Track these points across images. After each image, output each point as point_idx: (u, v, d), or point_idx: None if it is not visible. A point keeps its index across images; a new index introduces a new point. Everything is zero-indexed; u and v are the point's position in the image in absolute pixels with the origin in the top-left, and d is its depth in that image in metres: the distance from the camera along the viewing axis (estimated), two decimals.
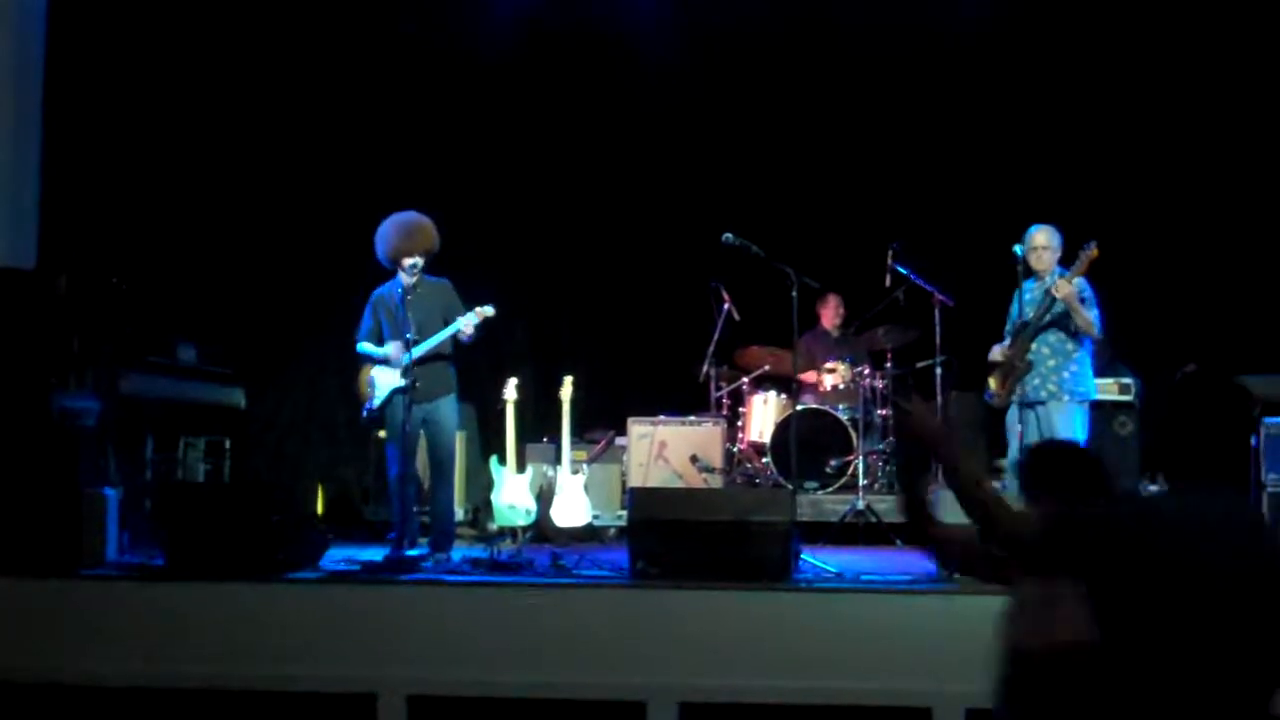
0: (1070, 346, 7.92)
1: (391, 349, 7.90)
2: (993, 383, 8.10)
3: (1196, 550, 3.20)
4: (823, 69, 10.92)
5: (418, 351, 7.77)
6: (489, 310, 7.93)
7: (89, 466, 7.75)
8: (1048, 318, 7.90)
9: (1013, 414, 7.97)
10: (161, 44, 10.36)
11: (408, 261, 7.92)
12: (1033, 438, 7.74)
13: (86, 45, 9.74)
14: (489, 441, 9.87)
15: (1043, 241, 8.02)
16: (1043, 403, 7.87)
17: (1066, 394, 7.87)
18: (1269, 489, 8.78)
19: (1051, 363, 7.90)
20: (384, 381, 7.93)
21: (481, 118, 11.06)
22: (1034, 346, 7.93)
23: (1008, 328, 8.21)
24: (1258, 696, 3.15)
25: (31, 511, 7.11)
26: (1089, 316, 7.83)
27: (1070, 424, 7.80)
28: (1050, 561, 3.22)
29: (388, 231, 7.98)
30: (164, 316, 9.49)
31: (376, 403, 7.97)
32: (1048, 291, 7.88)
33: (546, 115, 11.17)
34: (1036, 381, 7.89)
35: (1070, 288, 7.76)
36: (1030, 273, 8.08)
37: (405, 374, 7.79)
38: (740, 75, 11.09)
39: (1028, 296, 8.05)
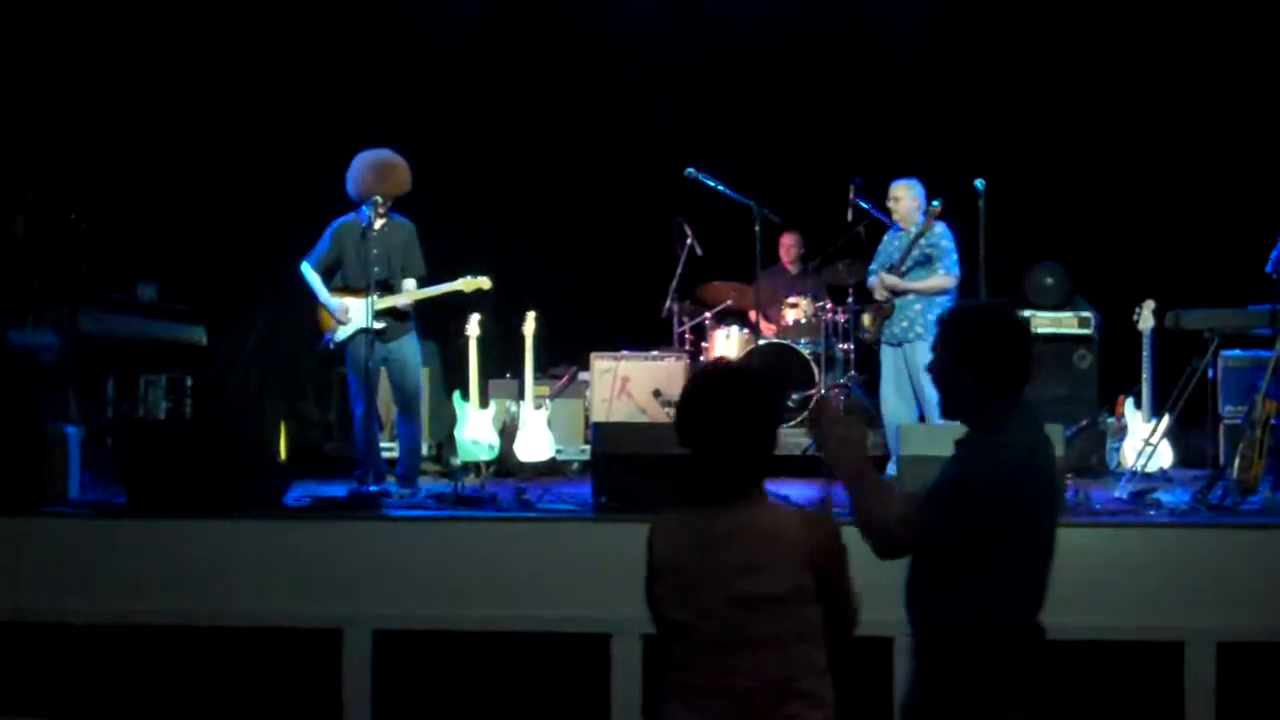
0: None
1: (344, 304, 7.79)
2: (866, 320, 8.79)
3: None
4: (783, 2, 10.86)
5: (414, 297, 7.88)
6: (486, 283, 8.12)
7: (49, 404, 7.73)
8: (909, 263, 8.51)
9: (883, 351, 8.68)
10: None
11: (378, 200, 7.86)
12: (893, 375, 8.58)
13: None
14: (452, 377, 9.85)
15: (897, 194, 8.64)
16: (909, 342, 8.47)
17: (932, 335, 8.17)
18: (1225, 421, 8.88)
19: (918, 305, 8.49)
20: (352, 318, 7.89)
21: (441, 53, 10.94)
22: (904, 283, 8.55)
23: (873, 267, 8.83)
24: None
25: None
26: (932, 283, 8.45)
27: None
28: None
29: (361, 168, 7.88)
30: (123, 254, 9.42)
31: (339, 337, 7.92)
32: (914, 239, 8.47)
33: (507, 50, 11.06)
34: (905, 324, 8.53)
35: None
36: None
37: (375, 316, 7.78)
38: (702, 8, 11.01)
39: (895, 243, 8.68)
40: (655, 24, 10.86)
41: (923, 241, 8.49)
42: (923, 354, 8.28)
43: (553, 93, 11.02)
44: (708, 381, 3.53)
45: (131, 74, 10.29)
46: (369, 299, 7.76)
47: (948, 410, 3.81)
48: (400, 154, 8.02)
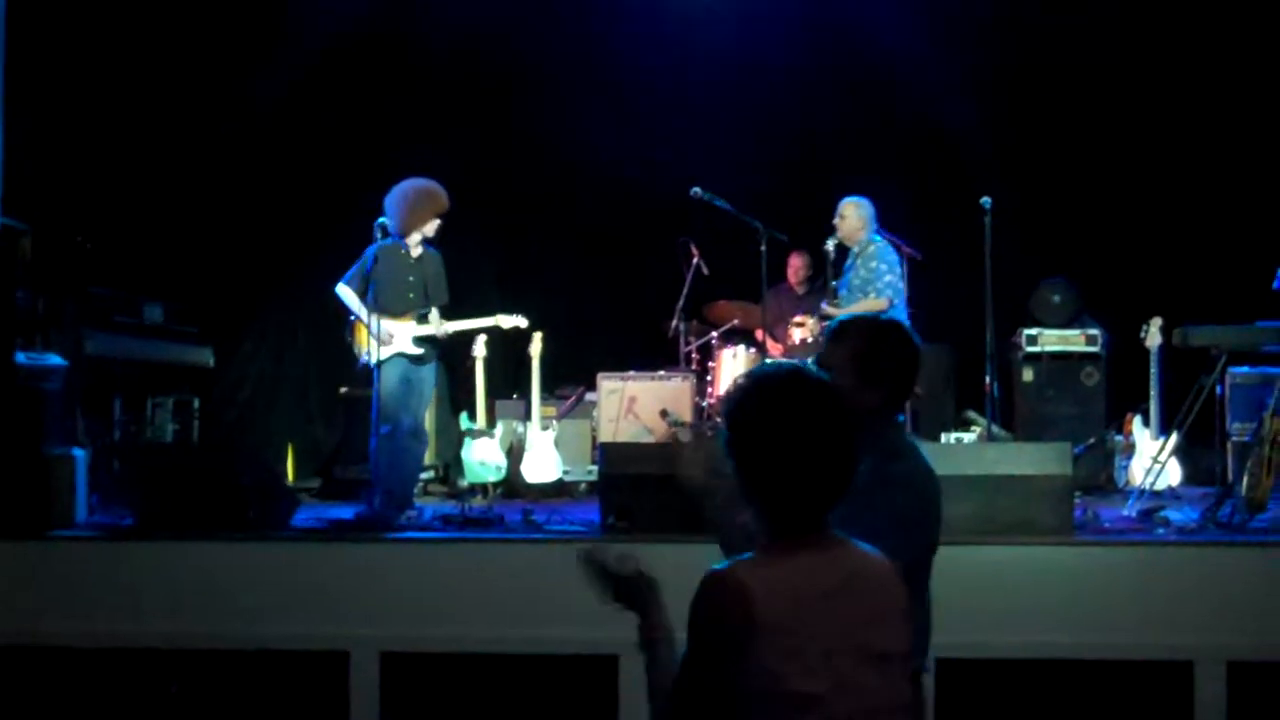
0: None
1: (388, 327, 7.76)
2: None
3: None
4: (788, 21, 10.86)
5: (452, 328, 7.93)
6: (523, 321, 8.33)
7: (56, 427, 7.72)
8: (848, 287, 8.49)
9: None
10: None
11: (431, 229, 7.92)
12: None
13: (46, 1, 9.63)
14: (459, 398, 9.86)
15: (843, 212, 8.56)
16: None
17: None
18: (1233, 438, 8.86)
19: None
20: (395, 342, 7.79)
21: (448, 71, 10.97)
22: (841, 309, 8.42)
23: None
24: None
25: None
26: (867, 306, 8.20)
27: None
28: None
29: (415, 202, 7.86)
30: (130, 275, 9.43)
31: (381, 357, 7.81)
32: (854, 260, 8.48)
33: (514, 68, 11.08)
34: None
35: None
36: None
37: (417, 342, 7.82)
38: (707, 29, 11.02)
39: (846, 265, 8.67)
40: (661, 43, 10.87)
41: (859, 263, 8.47)
42: None
43: (558, 113, 11.03)
44: (788, 390, 2.73)
45: (138, 96, 10.30)
46: (411, 323, 7.83)
47: None
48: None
